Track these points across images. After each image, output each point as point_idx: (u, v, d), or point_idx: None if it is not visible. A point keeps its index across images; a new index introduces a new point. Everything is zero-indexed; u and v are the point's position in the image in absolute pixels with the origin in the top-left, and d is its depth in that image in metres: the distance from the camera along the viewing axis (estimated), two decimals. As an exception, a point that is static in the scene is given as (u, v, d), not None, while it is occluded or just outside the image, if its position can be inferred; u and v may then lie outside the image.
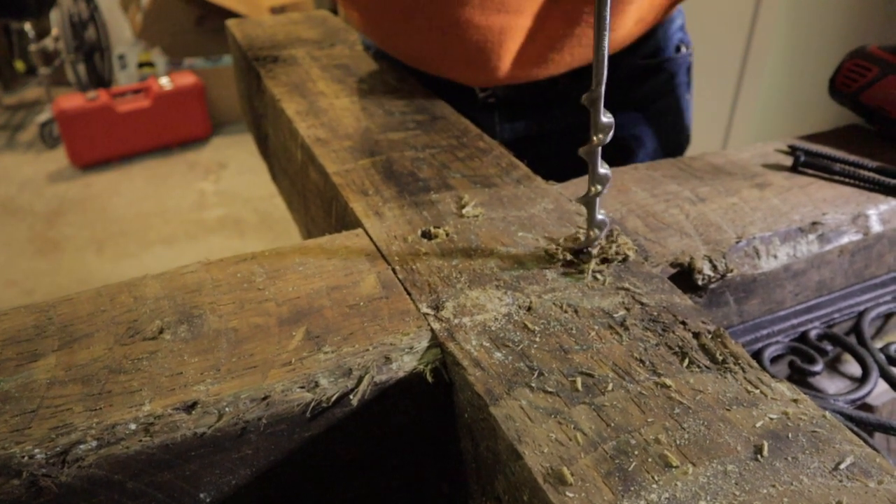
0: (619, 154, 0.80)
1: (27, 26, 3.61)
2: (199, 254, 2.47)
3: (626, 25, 0.67)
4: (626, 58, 0.76)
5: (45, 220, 2.75)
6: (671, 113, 0.82)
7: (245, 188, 2.96)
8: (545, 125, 0.80)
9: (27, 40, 3.59)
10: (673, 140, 0.83)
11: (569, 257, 0.42)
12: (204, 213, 2.79)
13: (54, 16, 3.32)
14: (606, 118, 0.38)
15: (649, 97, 0.79)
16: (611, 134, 0.38)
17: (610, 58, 0.74)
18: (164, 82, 3.22)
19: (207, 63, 3.49)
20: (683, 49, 0.80)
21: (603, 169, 0.40)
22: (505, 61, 0.67)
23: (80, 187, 3.00)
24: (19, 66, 4.04)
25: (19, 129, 3.62)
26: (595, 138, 0.38)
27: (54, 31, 3.34)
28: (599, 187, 0.40)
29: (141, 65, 3.53)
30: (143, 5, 3.55)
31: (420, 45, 0.69)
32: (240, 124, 3.52)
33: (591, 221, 0.42)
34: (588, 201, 0.41)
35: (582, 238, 0.43)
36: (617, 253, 0.43)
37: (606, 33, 0.35)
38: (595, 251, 0.43)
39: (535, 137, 0.80)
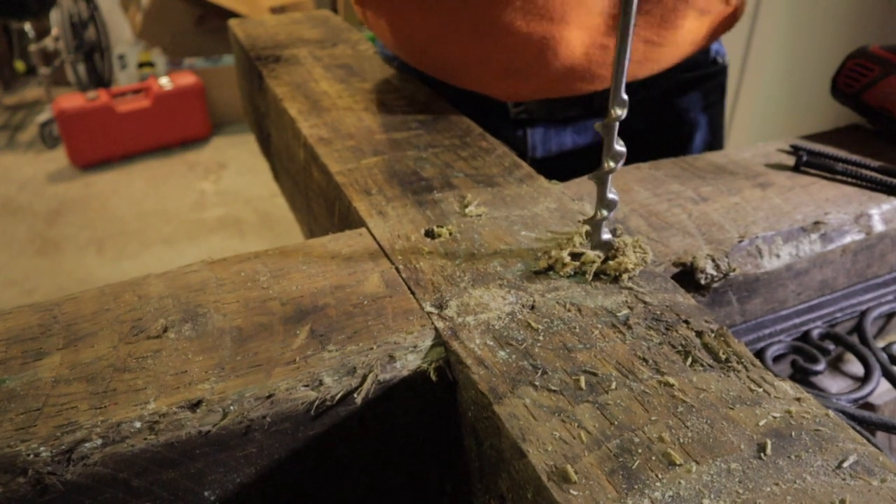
0: (682, 135, 0.79)
1: (27, 26, 3.60)
2: (200, 254, 2.47)
3: (678, 42, 0.65)
4: (665, 72, 0.75)
5: (45, 220, 2.75)
6: (707, 125, 0.81)
7: (245, 188, 2.96)
8: (578, 141, 0.78)
9: (27, 40, 3.59)
10: (715, 145, 0.82)
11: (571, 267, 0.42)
12: (204, 213, 2.79)
13: (54, 16, 3.31)
14: (619, 146, 0.38)
15: (688, 110, 0.78)
16: (622, 163, 0.39)
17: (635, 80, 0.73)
18: (164, 82, 3.22)
19: (207, 63, 3.49)
20: (720, 60, 0.80)
21: (611, 195, 0.40)
22: (546, 72, 0.64)
23: (80, 187, 3.00)
24: (19, 66, 4.04)
25: (19, 129, 3.61)
26: (607, 165, 0.39)
27: (54, 31, 3.34)
28: (606, 212, 0.41)
29: (141, 65, 3.53)
30: (143, 5, 3.55)
31: (457, 55, 0.66)
32: (240, 124, 3.52)
33: (595, 243, 0.42)
34: (600, 178, 0.40)
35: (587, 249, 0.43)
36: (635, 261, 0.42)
37: (626, 60, 0.35)
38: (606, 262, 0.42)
39: (568, 154, 0.78)
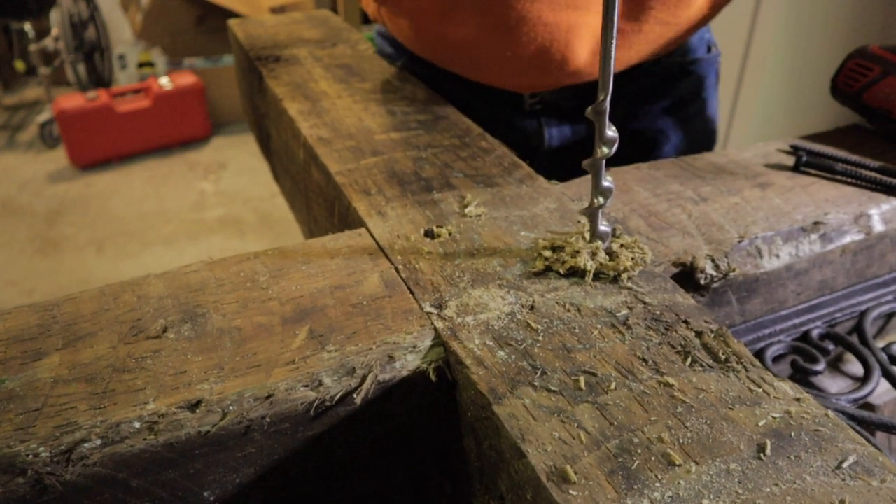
0: (644, 147, 0.79)
1: (27, 26, 3.60)
2: (199, 254, 2.47)
3: (690, 21, 0.66)
4: (668, 56, 0.75)
5: (45, 220, 2.75)
6: (701, 115, 0.81)
7: (245, 188, 2.96)
8: (593, 128, 0.79)
9: (27, 40, 3.58)
10: (702, 142, 0.82)
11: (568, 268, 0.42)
12: (204, 213, 2.79)
13: (54, 16, 3.31)
14: (612, 132, 0.38)
15: (682, 99, 0.79)
16: (615, 147, 0.39)
17: (646, 61, 0.73)
18: (164, 82, 3.22)
19: (207, 63, 3.49)
20: (713, 49, 0.80)
21: (606, 182, 0.40)
22: (570, 62, 0.64)
23: (80, 187, 3.00)
24: (19, 66, 4.03)
25: (19, 129, 3.61)
26: (599, 151, 0.39)
27: (54, 31, 3.34)
28: (602, 199, 0.40)
29: (141, 65, 3.52)
30: (143, 5, 3.55)
31: (481, 51, 0.66)
32: (240, 124, 3.52)
33: (594, 233, 0.42)
34: (594, 166, 0.40)
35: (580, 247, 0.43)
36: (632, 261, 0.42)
37: (613, 42, 0.35)
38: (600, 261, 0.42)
39: (583, 142, 0.79)
